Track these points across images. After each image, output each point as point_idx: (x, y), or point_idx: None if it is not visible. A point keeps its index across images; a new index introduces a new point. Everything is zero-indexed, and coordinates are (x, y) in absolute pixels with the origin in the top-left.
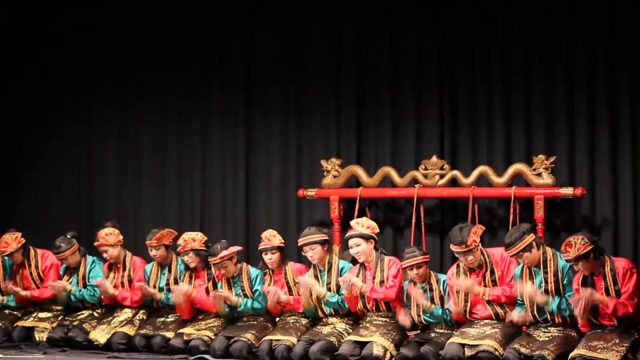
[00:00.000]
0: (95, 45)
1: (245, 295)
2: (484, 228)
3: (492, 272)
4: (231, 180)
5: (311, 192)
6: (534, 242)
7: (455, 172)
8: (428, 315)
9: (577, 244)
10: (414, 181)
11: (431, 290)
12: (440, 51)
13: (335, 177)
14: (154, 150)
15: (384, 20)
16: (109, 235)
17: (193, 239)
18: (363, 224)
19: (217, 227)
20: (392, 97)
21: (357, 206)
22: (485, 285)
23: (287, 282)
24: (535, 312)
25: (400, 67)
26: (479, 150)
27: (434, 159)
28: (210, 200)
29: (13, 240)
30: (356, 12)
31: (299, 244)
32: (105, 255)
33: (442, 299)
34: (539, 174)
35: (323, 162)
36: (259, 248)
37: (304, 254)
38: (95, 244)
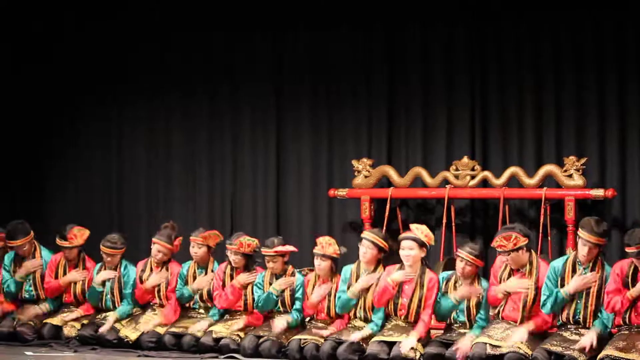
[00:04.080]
0: (121, 40)
1: (282, 299)
2: (522, 238)
3: (535, 283)
4: (262, 180)
5: (342, 192)
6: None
7: (486, 173)
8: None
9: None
10: (445, 182)
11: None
12: (471, 51)
13: (366, 177)
14: (184, 151)
15: (414, 21)
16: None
17: (249, 244)
18: (422, 231)
19: (248, 227)
20: (423, 97)
21: (388, 206)
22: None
23: (330, 294)
24: (571, 312)
25: (431, 67)
26: (510, 151)
27: (465, 159)
28: (241, 201)
29: (80, 236)
30: (387, 11)
31: (361, 235)
32: (159, 256)
33: (478, 303)
34: (570, 175)
35: (354, 162)
36: (314, 251)
37: (359, 245)
38: (162, 246)
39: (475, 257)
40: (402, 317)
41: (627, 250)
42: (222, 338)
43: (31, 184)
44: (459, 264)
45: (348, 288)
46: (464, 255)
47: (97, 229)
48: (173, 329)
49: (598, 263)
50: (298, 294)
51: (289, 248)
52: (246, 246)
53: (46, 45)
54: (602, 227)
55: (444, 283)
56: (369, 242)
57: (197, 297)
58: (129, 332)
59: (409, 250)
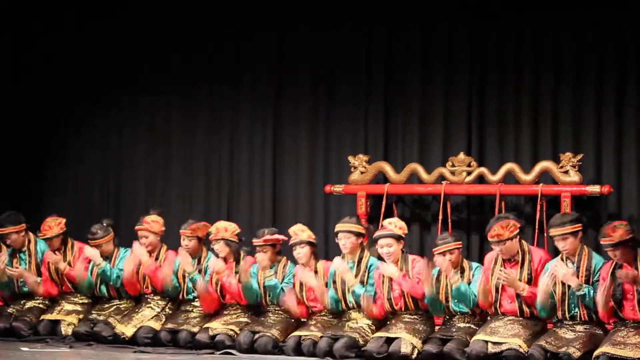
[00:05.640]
0: (122, 40)
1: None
2: (518, 225)
3: (529, 269)
4: (258, 176)
5: (338, 188)
6: (580, 232)
7: (483, 169)
8: (455, 293)
9: (621, 230)
10: (441, 178)
11: (462, 275)
12: (469, 49)
13: (362, 173)
14: (182, 146)
15: (414, 18)
16: (154, 223)
17: (225, 228)
18: (396, 224)
19: (244, 222)
20: (420, 93)
21: (384, 202)
22: (520, 279)
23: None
24: (566, 308)
25: (429, 64)
26: (506, 148)
27: (462, 155)
28: (237, 196)
29: (56, 225)
30: (387, 11)
31: (335, 230)
32: (144, 241)
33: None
34: (566, 172)
35: (350, 158)
36: (289, 244)
37: (337, 241)
38: (138, 227)
39: (454, 240)
40: (403, 309)
41: (602, 242)
42: (217, 334)
43: (31, 184)
44: (444, 259)
45: (334, 283)
46: (442, 248)
47: None
48: (169, 325)
49: (584, 255)
50: (287, 279)
51: (279, 237)
52: (223, 230)
53: (46, 45)
54: (567, 217)
55: (435, 278)
56: (344, 232)
57: (191, 287)
58: (125, 328)
59: (388, 248)
